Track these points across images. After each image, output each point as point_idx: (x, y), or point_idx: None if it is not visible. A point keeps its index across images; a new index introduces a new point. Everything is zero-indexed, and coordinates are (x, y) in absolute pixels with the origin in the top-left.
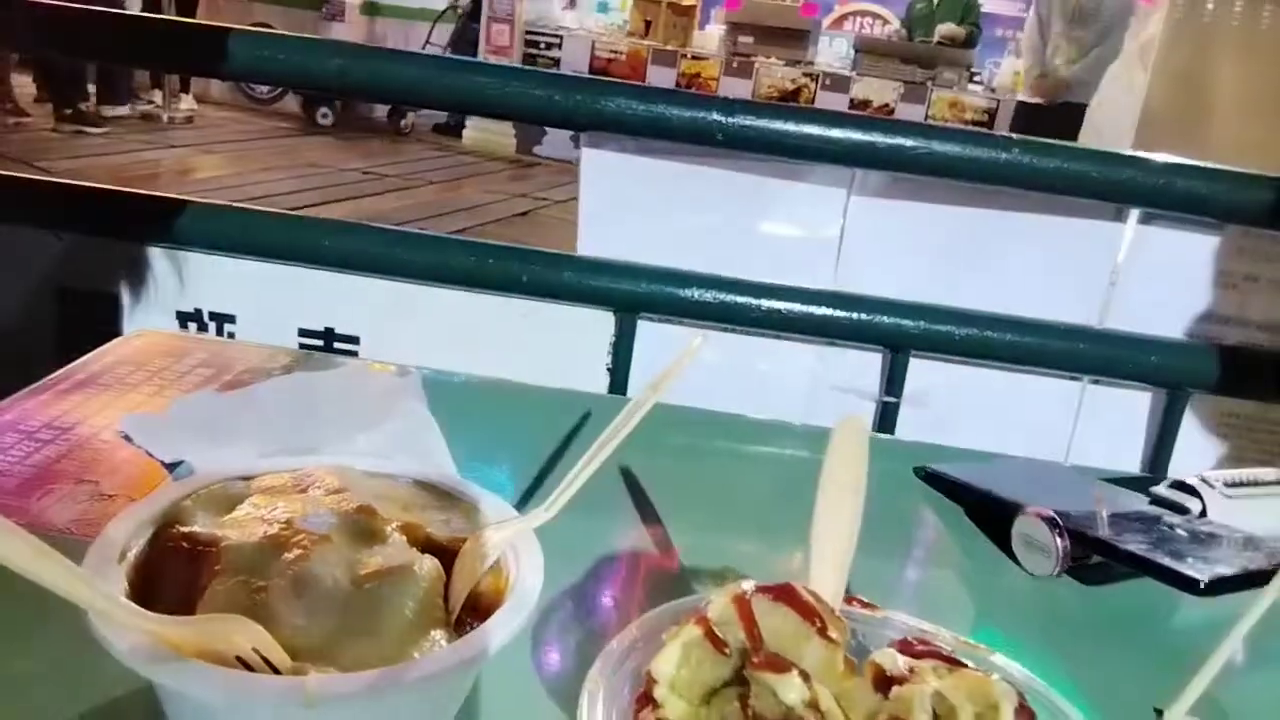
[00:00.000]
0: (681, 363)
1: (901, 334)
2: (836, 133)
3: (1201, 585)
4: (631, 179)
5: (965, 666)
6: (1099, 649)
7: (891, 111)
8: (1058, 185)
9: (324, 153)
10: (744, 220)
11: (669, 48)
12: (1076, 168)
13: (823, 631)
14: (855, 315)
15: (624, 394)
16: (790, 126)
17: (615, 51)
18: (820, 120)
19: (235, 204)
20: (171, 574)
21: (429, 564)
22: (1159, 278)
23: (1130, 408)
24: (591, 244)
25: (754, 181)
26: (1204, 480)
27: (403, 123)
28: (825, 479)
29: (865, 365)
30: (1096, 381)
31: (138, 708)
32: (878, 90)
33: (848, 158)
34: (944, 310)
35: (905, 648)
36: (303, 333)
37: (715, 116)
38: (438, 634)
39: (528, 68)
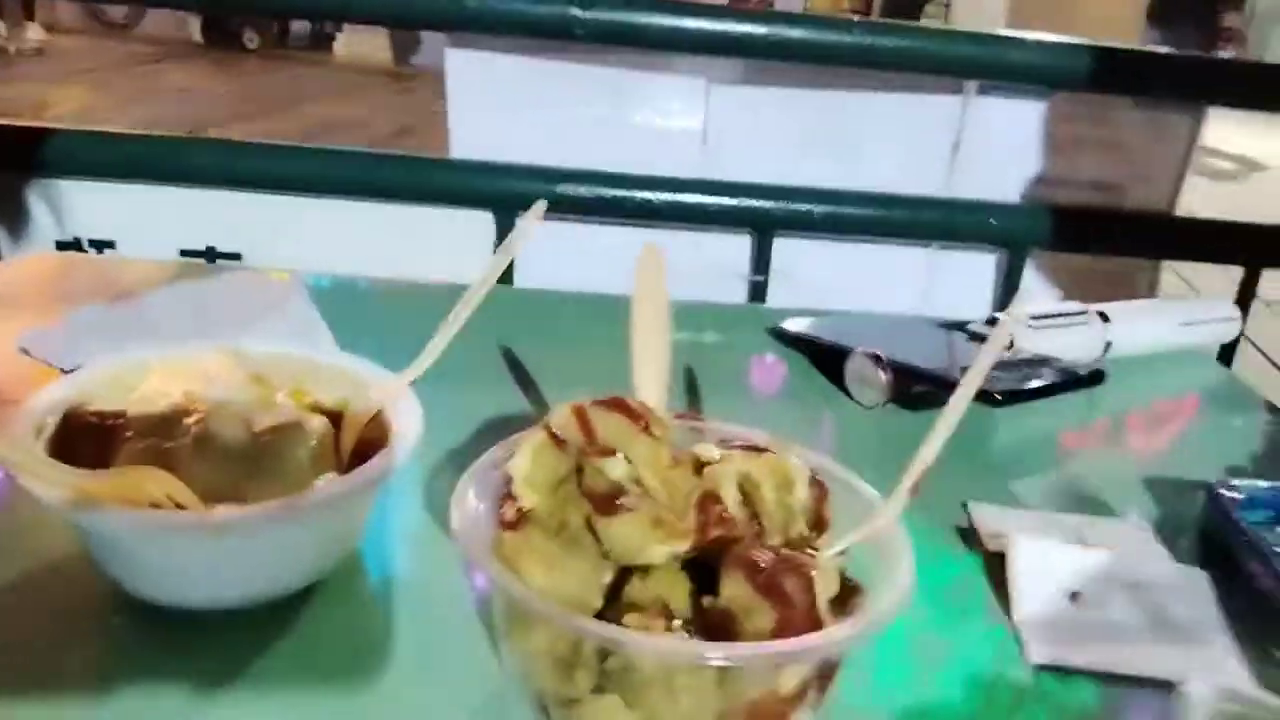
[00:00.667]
0: (527, 226)
1: (765, 216)
2: (690, 23)
3: (997, 398)
4: (498, 79)
5: (770, 453)
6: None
7: (773, 2)
8: (898, 63)
9: (190, 77)
10: (611, 114)
11: None
12: (914, 45)
13: (646, 429)
14: (722, 200)
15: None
16: (646, 19)
17: None
18: (674, 11)
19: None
20: (84, 447)
21: (317, 421)
22: (996, 145)
23: (976, 268)
24: (463, 147)
25: (618, 75)
26: (1015, 316)
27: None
28: (635, 306)
29: (735, 247)
30: (945, 247)
31: (70, 560)
32: None
33: (702, 47)
34: (803, 190)
35: (721, 443)
36: (184, 253)
37: (573, 11)
38: (331, 476)
39: None
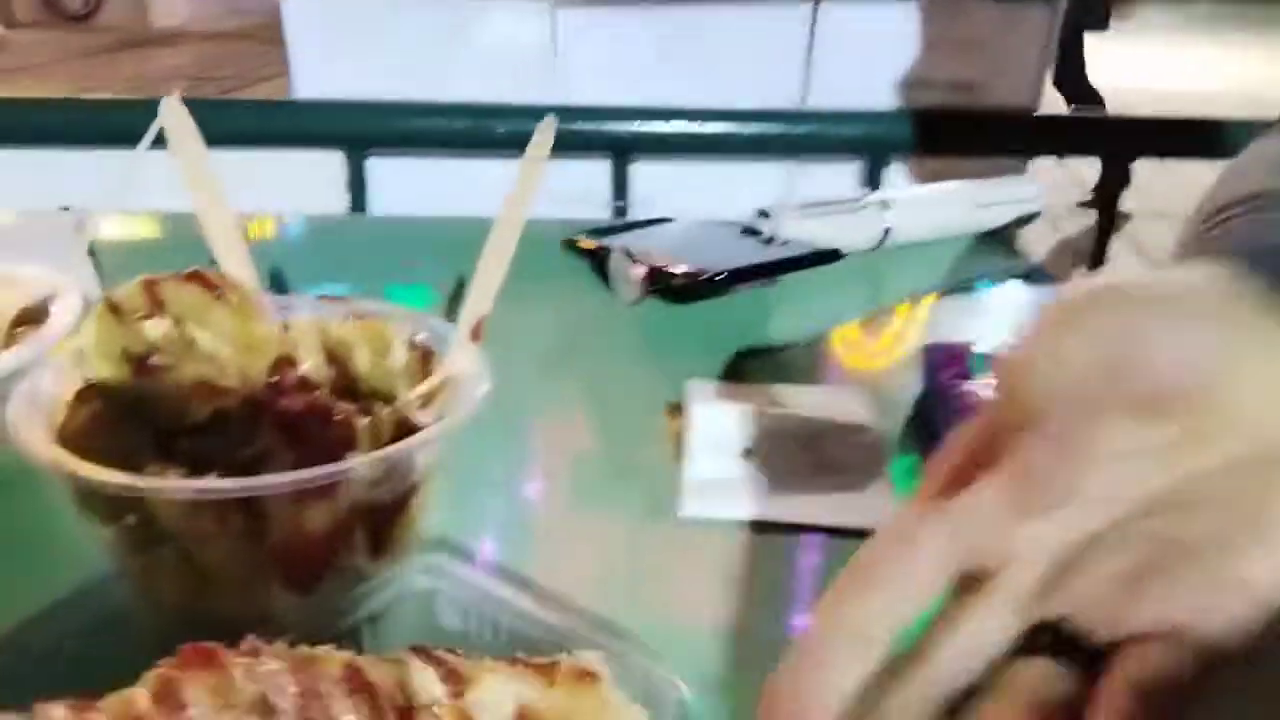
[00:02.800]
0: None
1: (622, 139)
2: None
3: (716, 277)
4: (337, 19)
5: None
6: (665, 343)
7: None
8: None
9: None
10: (456, 44)
11: None
12: None
13: (222, 297)
14: (577, 125)
15: None
16: None
17: None
18: None
19: None
20: None
21: None
22: (849, 51)
23: (840, 180)
24: (306, 87)
25: (458, 3)
26: (782, 205)
27: None
28: (186, 177)
29: (593, 174)
30: (807, 160)
31: None
32: None
33: None
34: (657, 110)
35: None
36: None
37: None
38: None
39: None
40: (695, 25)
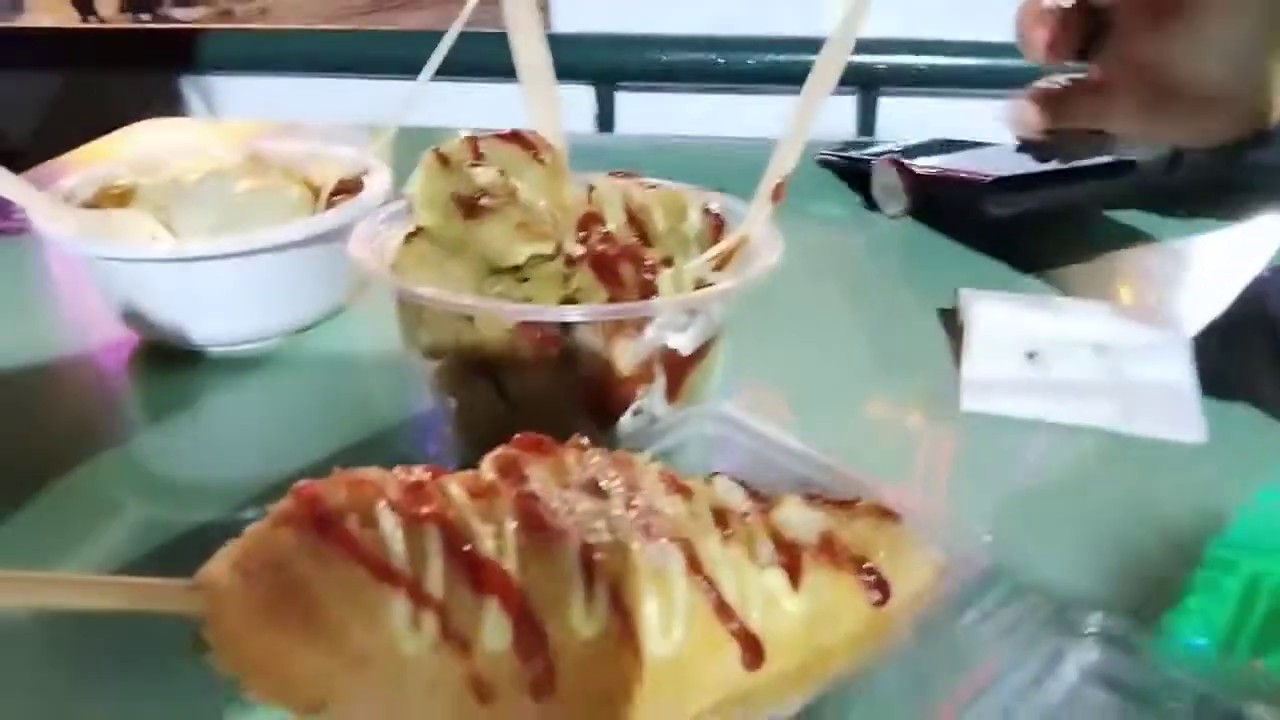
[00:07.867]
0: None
1: (871, 72)
2: None
3: (999, 180)
4: None
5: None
6: (930, 259)
7: None
8: None
9: None
10: None
11: None
12: None
13: (537, 157)
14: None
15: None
16: None
17: None
18: None
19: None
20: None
21: (296, 189)
22: None
23: None
24: (564, 19)
25: None
26: None
27: None
28: (518, 59)
29: (839, 108)
30: None
31: None
32: None
33: None
34: (912, 42)
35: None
36: None
37: None
38: None
39: None
40: None
